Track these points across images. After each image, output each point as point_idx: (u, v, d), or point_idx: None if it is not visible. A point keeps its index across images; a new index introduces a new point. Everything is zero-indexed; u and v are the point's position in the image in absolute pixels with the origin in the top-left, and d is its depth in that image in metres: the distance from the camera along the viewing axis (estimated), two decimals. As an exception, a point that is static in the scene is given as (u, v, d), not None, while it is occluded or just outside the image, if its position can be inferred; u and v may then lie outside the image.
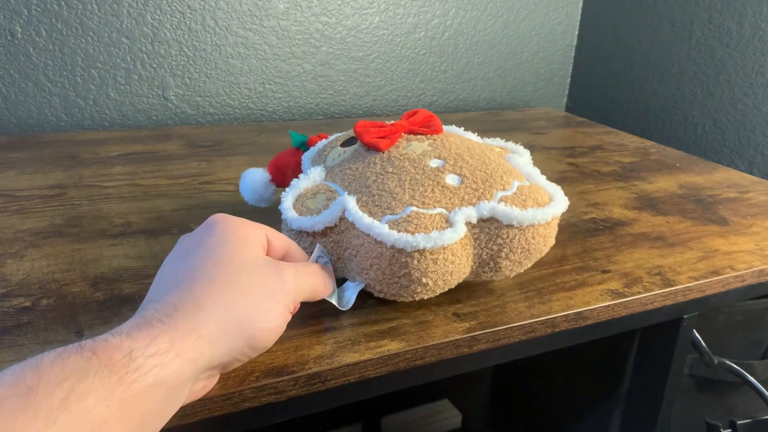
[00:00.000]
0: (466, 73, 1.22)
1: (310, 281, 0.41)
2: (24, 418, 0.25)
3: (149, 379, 0.29)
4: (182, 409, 0.35)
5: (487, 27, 1.21)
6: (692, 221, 0.68)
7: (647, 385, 0.65)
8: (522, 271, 0.49)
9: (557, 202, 0.47)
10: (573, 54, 1.34)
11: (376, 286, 0.45)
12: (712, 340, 0.65)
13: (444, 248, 0.42)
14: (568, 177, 0.82)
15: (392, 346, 0.42)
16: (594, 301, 0.50)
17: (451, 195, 0.45)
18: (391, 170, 0.47)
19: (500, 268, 0.47)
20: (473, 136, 0.57)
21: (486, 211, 0.44)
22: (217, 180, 0.73)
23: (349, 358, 0.40)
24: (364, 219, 0.43)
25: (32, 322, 0.42)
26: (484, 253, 0.46)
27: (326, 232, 0.45)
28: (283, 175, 0.58)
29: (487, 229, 0.45)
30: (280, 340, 0.41)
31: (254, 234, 0.40)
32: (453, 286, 0.47)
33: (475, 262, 0.46)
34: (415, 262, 0.42)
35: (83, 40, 0.89)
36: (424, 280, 0.43)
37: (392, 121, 0.52)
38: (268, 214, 0.56)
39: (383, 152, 0.49)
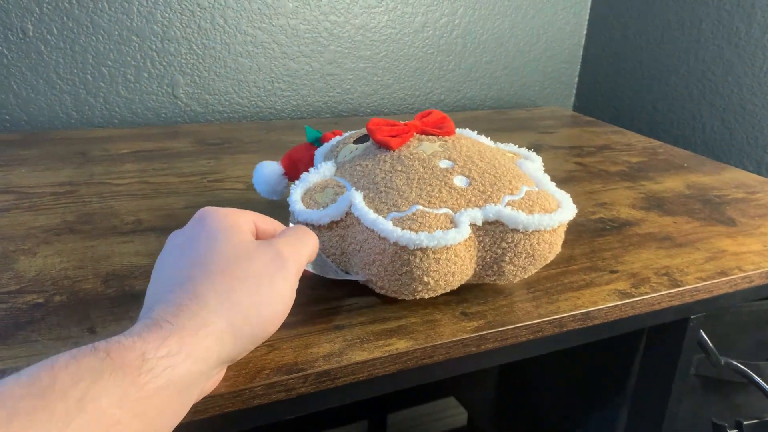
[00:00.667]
0: (473, 72, 1.22)
1: (302, 247, 0.40)
2: (41, 418, 0.25)
3: (161, 380, 0.29)
4: (193, 405, 0.36)
5: (495, 26, 1.21)
6: (700, 222, 0.68)
7: (654, 384, 0.65)
8: (526, 276, 0.49)
9: (565, 210, 0.47)
10: (581, 53, 1.33)
11: (377, 282, 0.45)
12: (718, 340, 0.65)
13: (447, 248, 0.42)
14: (575, 176, 0.82)
15: (401, 345, 0.42)
16: (601, 301, 0.50)
17: (458, 196, 0.45)
18: (400, 168, 0.47)
19: (504, 272, 0.47)
20: (486, 140, 0.57)
21: (492, 213, 0.44)
22: (226, 178, 0.73)
23: (358, 357, 0.41)
24: (369, 215, 0.43)
25: (45, 318, 0.43)
26: (488, 256, 0.46)
27: (332, 226, 0.46)
28: (296, 169, 0.59)
29: (492, 232, 0.45)
30: (290, 338, 0.42)
31: (244, 221, 0.40)
32: (455, 287, 0.47)
33: (478, 265, 0.46)
34: (418, 260, 0.42)
35: (94, 38, 0.90)
36: (425, 279, 0.43)
37: (405, 121, 0.53)
38: (281, 207, 0.57)
39: (394, 151, 0.49)
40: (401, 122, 0.52)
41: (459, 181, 0.46)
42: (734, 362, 0.66)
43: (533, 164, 0.53)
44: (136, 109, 0.95)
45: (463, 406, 1.24)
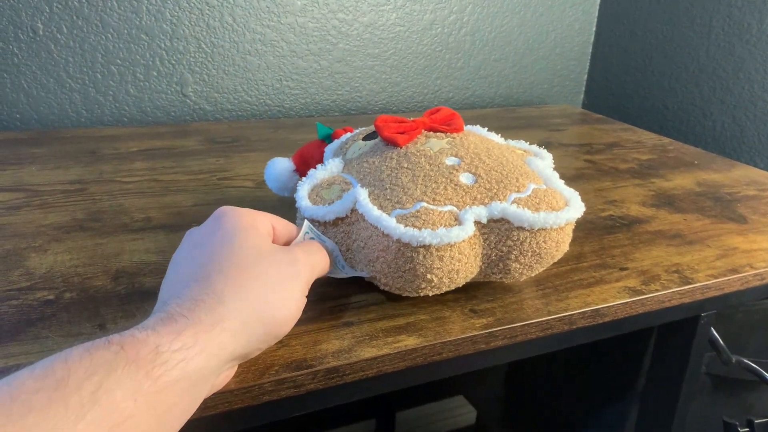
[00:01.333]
0: (482, 70, 1.22)
1: (317, 259, 0.42)
2: (56, 411, 0.26)
3: (175, 373, 0.30)
4: (203, 401, 0.36)
5: (504, 23, 1.20)
6: (710, 219, 0.68)
7: (664, 383, 0.64)
8: (533, 275, 0.49)
9: (572, 208, 0.46)
10: (590, 50, 1.33)
11: (381, 278, 0.45)
12: (729, 338, 0.65)
13: (451, 246, 0.42)
14: (585, 174, 0.82)
15: (410, 342, 0.42)
16: (611, 299, 0.50)
17: (464, 193, 0.45)
18: (406, 165, 0.47)
19: (509, 270, 0.46)
20: (496, 137, 0.57)
21: (497, 211, 0.44)
22: (235, 176, 0.73)
23: (367, 353, 0.41)
24: (373, 211, 0.43)
25: (56, 314, 0.43)
26: (494, 254, 0.45)
27: (337, 222, 0.46)
28: (307, 165, 0.59)
29: (498, 230, 0.44)
30: (299, 335, 0.42)
31: (261, 222, 0.40)
32: (460, 285, 0.47)
33: (483, 263, 0.46)
34: (421, 257, 0.42)
35: (103, 36, 0.90)
36: (429, 276, 0.43)
37: (413, 118, 0.53)
38: (291, 204, 0.57)
39: (401, 147, 0.49)
40: (409, 119, 0.52)
41: (465, 178, 0.46)
42: (746, 360, 0.66)
43: (543, 162, 0.52)
44: (145, 108, 0.96)
45: (471, 405, 1.24)
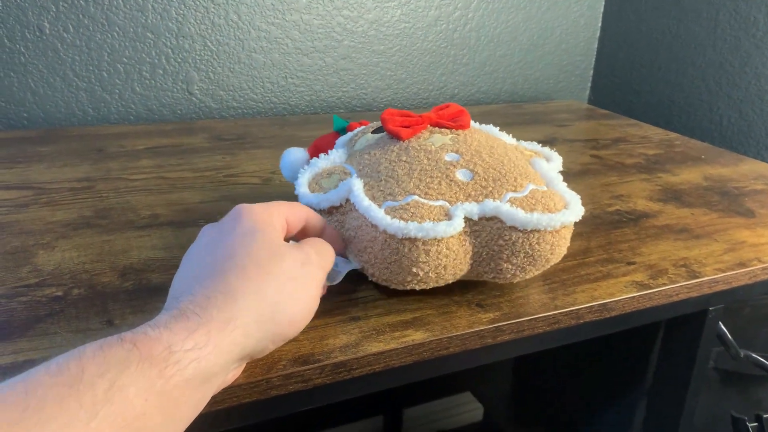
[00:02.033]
0: (487, 66, 1.22)
1: (328, 260, 0.42)
2: (69, 406, 0.26)
3: (187, 372, 0.30)
4: (212, 397, 0.36)
5: (509, 19, 1.20)
6: (718, 213, 0.68)
7: (672, 377, 0.64)
8: (528, 277, 0.48)
9: (570, 211, 0.45)
10: (596, 46, 1.32)
11: (369, 269, 0.45)
12: (738, 333, 0.65)
13: (438, 240, 0.42)
14: (591, 169, 0.81)
15: (417, 336, 0.42)
16: (618, 293, 0.50)
17: (458, 189, 0.45)
18: (404, 159, 0.47)
19: (501, 270, 0.45)
20: (506, 137, 0.56)
21: (490, 209, 0.43)
22: (241, 173, 0.74)
23: (374, 348, 0.41)
24: (363, 201, 0.44)
25: (64, 310, 0.43)
26: (484, 252, 0.45)
27: (331, 211, 0.46)
28: None
29: (489, 228, 0.44)
30: (307, 329, 0.42)
31: (276, 219, 0.40)
32: (449, 281, 0.46)
33: (474, 261, 0.45)
34: (406, 250, 0.42)
35: (109, 35, 0.90)
36: (414, 270, 0.43)
37: (422, 113, 0.53)
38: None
39: (403, 141, 0.49)
40: (416, 114, 0.52)
41: (462, 174, 0.46)
42: (754, 355, 0.65)
43: (550, 164, 0.52)
44: (151, 106, 0.96)
45: (478, 401, 1.24)
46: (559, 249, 0.46)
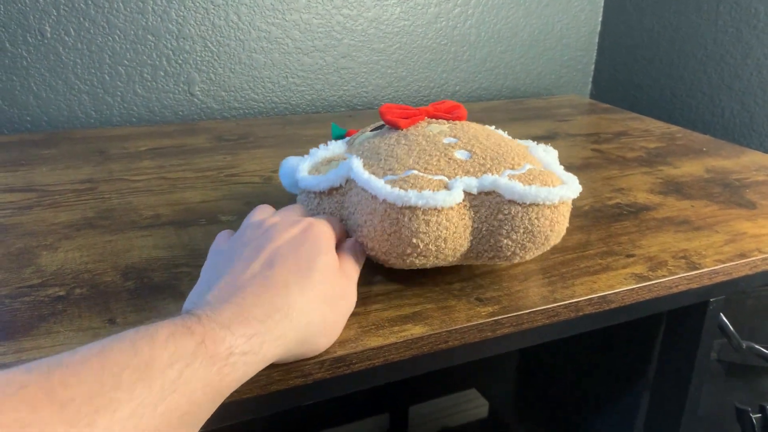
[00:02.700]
0: (488, 62, 1.22)
1: (359, 261, 0.45)
2: (141, 391, 0.28)
3: (238, 374, 0.32)
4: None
5: (510, 15, 1.20)
6: (719, 205, 0.68)
7: (674, 370, 0.64)
8: (528, 257, 0.48)
9: (568, 187, 0.46)
10: (597, 40, 1.32)
11: (368, 243, 0.45)
12: (740, 324, 0.65)
13: (438, 210, 0.42)
14: (592, 163, 0.81)
15: (416, 330, 0.43)
16: (618, 285, 0.50)
17: (457, 166, 0.45)
18: (403, 142, 0.48)
19: (501, 247, 0.45)
20: (503, 134, 0.56)
21: (488, 183, 0.44)
22: (243, 172, 0.74)
23: (373, 342, 0.41)
24: (363, 175, 0.44)
25: (67, 310, 0.44)
26: (484, 228, 0.45)
27: (331, 192, 0.47)
28: None
29: (489, 203, 0.44)
30: (306, 325, 0.42)
31: (333, 239, 0.43)
32: (449, 259, 0.46)
33: (473, 237, 0.45)
34: (406, 219, 0.42)
35: (110, 38, 0.91)
36: (414, 241, 0.43)
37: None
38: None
39: (401, 129, 0.50)
40: (414, 107, 0.53)
41: (460, 154, 0.47)
42: (757, 346, 0.65)
43: (545, 151, 0.52)
44: (153, 107, 0.97)
45: (484, 398, 1.24)
46: (558, 226, 0.46)
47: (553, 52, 1.28)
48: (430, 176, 0.44)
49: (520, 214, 0.44)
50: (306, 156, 0.51)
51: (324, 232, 0.42)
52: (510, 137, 0.56)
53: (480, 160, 0.46)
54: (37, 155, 0.77)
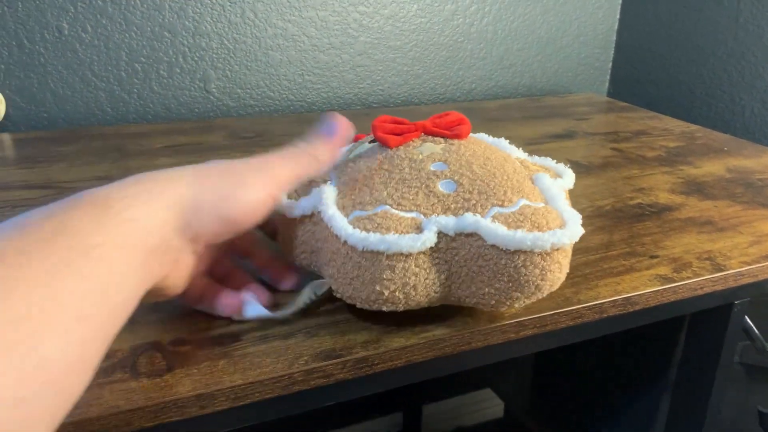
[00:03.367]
0: (505, 60, 1.21)
1: (293, 165, 0.41)
2: (19, 244, 0.28)
3: (126, 214, 0.32)
4: (234, 391, 0.36)
5: (527, 12, 1.19)
6: (742, 205, 0.67)
7: (696, 372, 0.63)
8: (518, 306, 0.43)
9: (564, 232, 0.38)
10: (614, 38, 1.31)
11: (333, 284, 0.42)
12: (765, 326, 0.64)
13: (404, 255, 0.38)
14: (611, 162, 0.80)
15: (438, 332, 0.42)
16: (642, 287, 0.49)
17: (436, 201, 0.41)
18: (386, 167, 0.44)
19: (483, 295, 0.40)
20: (517, 151, 0.51)
21: (468, 224, 0.39)
22: (259, 170, 0.74)
23: (395, 343, 0.41)
24: (328, 210, 0.41)
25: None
26: (463, 272, 0.40)
27: (303, 220, 0.43)
28: None
29: (469, 245, 0.39)
30: (326, 325, 0.42)
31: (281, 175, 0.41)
32: (423, 304, 0.41)
33: (452, 282, 0.40)
34: (368, 264, 0.38)
35: (127, 35, 0.91)
36: (377, 288, 0.38)
37: (420, 121, 0.49)
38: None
39: (390, 149, 0.46)
40: (410, 121, 0.48)
41: (444, 185, 0.42)
42: (781, 349, 0.64)
43: (558, 180, 0.47)
44: (169, 105, 0.97)
45: (499, 397, 1.23)
46: (551, 275, 0.40)
47: (570, 49, 1.27)
48: (402, 213, 0.40)
49: (503, 261, 0.38)
50: None
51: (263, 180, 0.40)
52: (524, 156, 0.51)
53: (465, 195, 0.41)
54: (55, 152, 0.77)
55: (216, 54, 0.97)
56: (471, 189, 0.41)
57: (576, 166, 0.75)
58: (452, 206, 0.40)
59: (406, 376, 0.42)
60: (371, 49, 1.08)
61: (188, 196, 0.35)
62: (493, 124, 0.98)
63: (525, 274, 0.38)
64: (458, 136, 0.47)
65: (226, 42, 0.97)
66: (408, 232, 0.38)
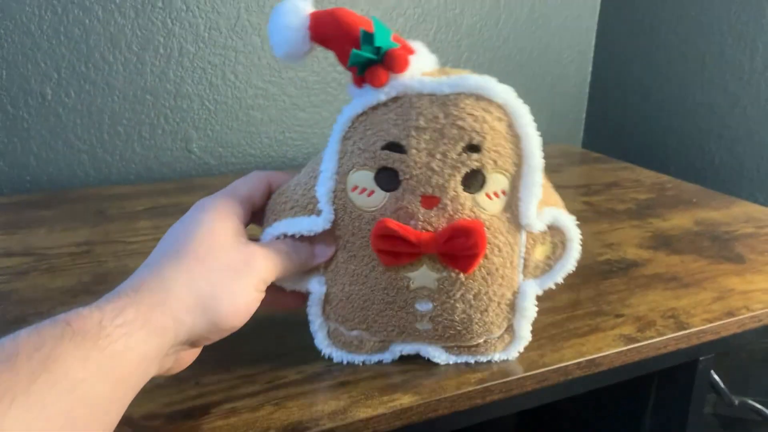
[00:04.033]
0: (481, 114, 1.24)
1: (278, 260, 0.41)
2: (6, 377, 0.28)
3: (119, 345, 0.31)
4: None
5: (501, 69, 1.23)
6: (707, 260, 0.68)
7: (669, 426, 0.64)
8: None
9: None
10: (587, 90, 1.35)
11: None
12: (735, 378, 0.65)
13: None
14: (582, 217, 0.82)
15: (405, 400, 0.43)
16: (606, 347, 0.50)
17: (406, 334, 0.46)
18: (369, 285, 0.44)
19: None
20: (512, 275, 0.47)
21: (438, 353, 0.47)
22: (237, 232, 0.75)
23: (362, 414, 0.41)
24: (316, 319, 0.47)
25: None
26: None
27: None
28: (335, 37, 0.42)
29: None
30: (296, 396, 0.43)
31: (230, 207, 0.42)
32: None
33: None
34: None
35: (109, 98, 0.93)
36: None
37: (428, 231, 0.41)
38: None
39: (382, 266, 0.43)
40: (417, 231, 0.41)
41: (419, 326, 0.45)
42: (750, 401, 0.65)
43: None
44: (151, 165, 0.98)
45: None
46: None
47: (544, 101, 1.30)
48: (372, 338, 0.47)
49: None
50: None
51: (207, 203, 0.42)
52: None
53: (438, 331, 0.45)
54: (36, 217, 0.79)
55: (197, 115, 0.99)
56: (443, 333, 0.45)
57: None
58: (425, 335, 0.46)
59: (373, 446, 0.43)
60: (350, 106, 1.10)
61: (182, 331, 0.36)
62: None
63: None
64: (464, 270, 0.42)
65: (206, 103, 0.99)
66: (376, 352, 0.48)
